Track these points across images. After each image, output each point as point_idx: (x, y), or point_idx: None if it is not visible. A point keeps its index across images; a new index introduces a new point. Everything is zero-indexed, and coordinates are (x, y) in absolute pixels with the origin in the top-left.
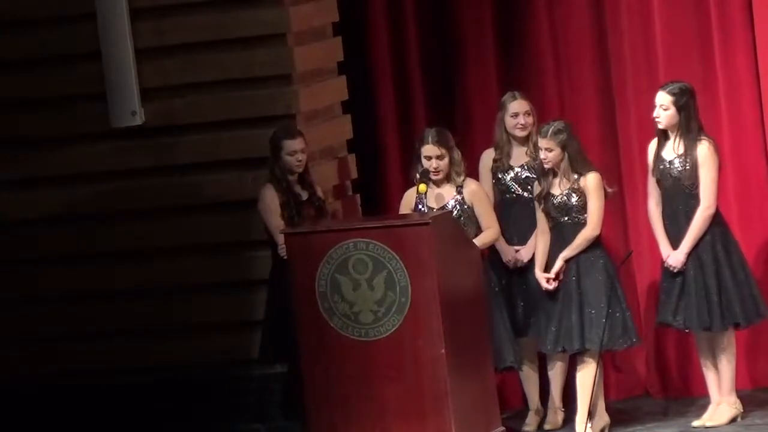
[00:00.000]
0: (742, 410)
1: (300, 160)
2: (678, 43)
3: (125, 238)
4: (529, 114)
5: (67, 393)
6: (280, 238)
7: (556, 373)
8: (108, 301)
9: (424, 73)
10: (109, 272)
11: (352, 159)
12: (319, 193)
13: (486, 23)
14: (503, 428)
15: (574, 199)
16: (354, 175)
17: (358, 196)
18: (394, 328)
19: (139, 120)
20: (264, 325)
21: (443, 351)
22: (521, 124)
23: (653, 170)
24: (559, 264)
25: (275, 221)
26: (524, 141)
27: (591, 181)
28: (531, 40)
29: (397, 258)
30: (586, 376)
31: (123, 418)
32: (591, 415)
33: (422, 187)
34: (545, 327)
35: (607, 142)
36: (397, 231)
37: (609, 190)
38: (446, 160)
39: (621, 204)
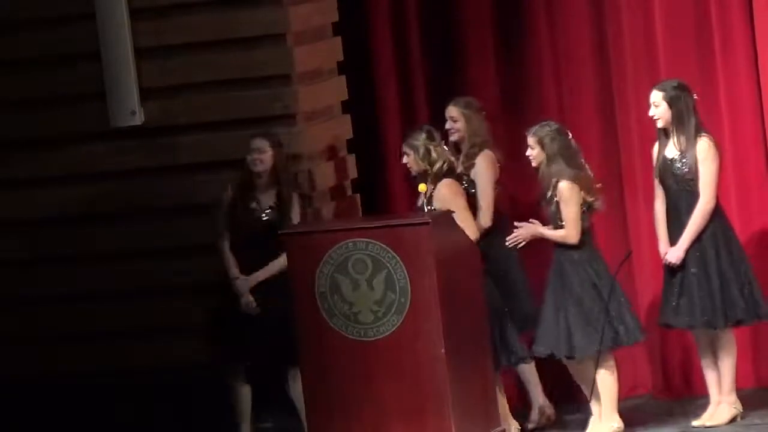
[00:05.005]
0: (741, 410)
1: (256, 159)
2: (678, 43)
3: (125, 238)
4: (455, 120)
5: (67, 393)
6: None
7: (531, 375)
8: (108, 301)
9: (424, 73)
10: (109, 272)
11: (351, 159)
12: (296, 208)
13: (486, 23)
14: (503, 428)
15: (553, 206)
16: (354, 175)
17: (357, 196)
18: (393, 328)
19: (138, 120)
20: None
21: (443, 351)
22: (447, 129)
23: (655, 170)
24: None
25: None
26: (457, 146)
27: (564, 189)
28: (531, 40)
29: (397, 258)
30: (606, 376)
31: (123, 419)
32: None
33: (422, 186)
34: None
35: (608, 142)
36: (397, 231)
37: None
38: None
39: (621, 204)
